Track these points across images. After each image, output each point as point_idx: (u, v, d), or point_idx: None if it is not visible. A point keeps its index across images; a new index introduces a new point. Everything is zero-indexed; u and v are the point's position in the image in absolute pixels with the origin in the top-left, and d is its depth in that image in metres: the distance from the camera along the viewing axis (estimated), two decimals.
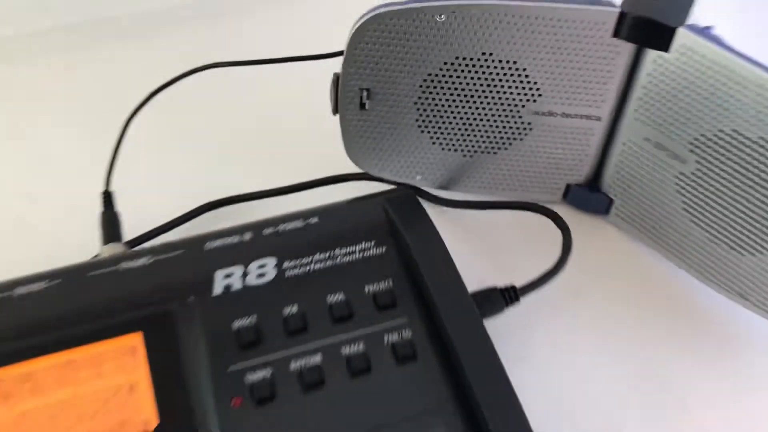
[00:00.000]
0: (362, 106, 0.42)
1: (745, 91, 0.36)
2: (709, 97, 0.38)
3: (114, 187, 0.45)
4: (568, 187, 0.47)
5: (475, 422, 0.32)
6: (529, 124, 0.43)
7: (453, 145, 0.45)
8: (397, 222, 0.38)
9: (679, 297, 0.44)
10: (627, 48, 0.40)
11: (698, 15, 0.39)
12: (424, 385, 0.34)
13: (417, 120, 0.43)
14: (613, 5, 0.39)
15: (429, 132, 0.44)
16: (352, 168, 0.47)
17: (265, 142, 0.53)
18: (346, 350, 0.35)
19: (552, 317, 0.42)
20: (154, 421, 0.32)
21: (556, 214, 0.42)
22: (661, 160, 0.42)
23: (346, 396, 0.33)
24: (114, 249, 0.42)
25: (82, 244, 0.44)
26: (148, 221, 0.45)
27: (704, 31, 0.37)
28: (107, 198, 0.43)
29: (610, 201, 0.46)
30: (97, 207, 0.44)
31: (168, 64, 0.50)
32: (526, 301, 0.40)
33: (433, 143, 0.45)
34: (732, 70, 0.36)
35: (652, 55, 0.39)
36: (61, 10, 0.65)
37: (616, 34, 0.40)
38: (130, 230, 0.44)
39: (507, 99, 0.42)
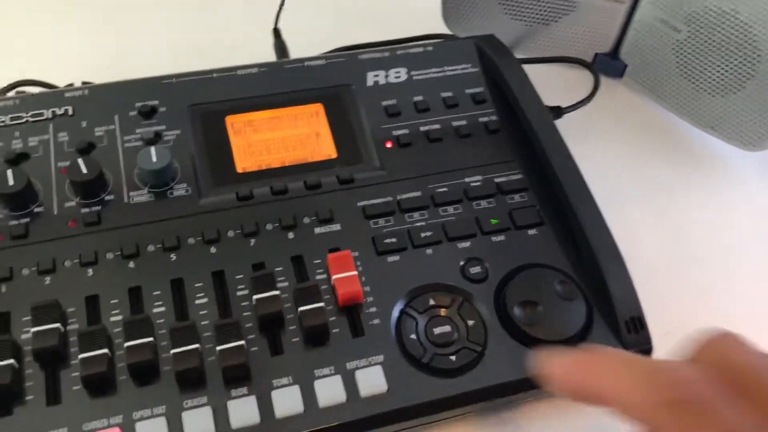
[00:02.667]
0: None
1: None
2: None
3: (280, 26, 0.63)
4: (595, 55, 0.66)
5: (538, 168, 0.51)
6: (574, 2, 0.62)
7: (519, 16, 0.63)
8: (488, 52, 0.56)
9: (669, 131, 0.63)
10: None
11: None
12: (505, 146, 0.52)
13: None
14: None
15: (504, 5, 0.62)
16: (437, 29, 0.65)
17: (378, 8, 0.71)
18: (455, 123, 0.53)
19: (580, 135, 0.61)
20: (333, 154, 0.51)
21: (590, 63, 0.61)
22: (664, 32, 0.60)
23: (456, 147, 0.52)
24: None
25: None
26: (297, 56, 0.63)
27: None
28: (277, 32, 0.61)
29: (625, 66, 0.65)
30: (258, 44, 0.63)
31: None
32: (569, 117, 0.59)
33: (506, 14, 0.63)
34: None
35: None
36: None
37: None
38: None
39: None
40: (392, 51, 0.56)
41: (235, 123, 0.51)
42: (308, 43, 0.65)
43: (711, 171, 0.61)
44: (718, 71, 0.58)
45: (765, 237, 0.57)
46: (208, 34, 0.69)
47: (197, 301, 0.43)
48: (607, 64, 0.66)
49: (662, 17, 0.60)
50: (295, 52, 0.63)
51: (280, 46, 0.61)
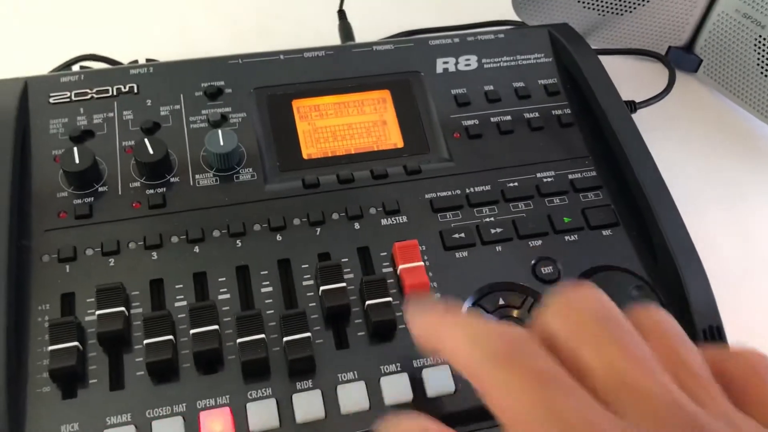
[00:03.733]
0: None
1: None
2: None
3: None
4: (669, 48, 0.63)
5: (615, 165, 0.49)
6: None
7: (593, 4, 0.61)
8: (563, 42, 0.54)
9: (746, 132, 0.61)
10: None
11: None
12: (579, 141, 0.50)
13: None
14: None
15: None
16: (511, 16, 0.63)
17: None
18: (527, 115, 0.51)
19: (655, 131, 0.59)
20: (400, 143, 0.49)
21: (664, 56, 0.59)
22: (746, 27, 0.58)
23: (528, 140, 0.50)
24: None
25: None
26: (361, 39, 0.62)
27: None
28: (342, 14, 0.60)
29: (700, 61, 0.62)
30: (326, 25, 0.61)
31: None
32: (640, 113, 0.56)
33: (579, 1, 0.61)
34: None
35: None
36: None
37: None
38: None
39: None
40: (462, 37, 0.55)
41: (301, 107, 0.50)
42: (373, 26, 0.63)
43: None
44: None
45: None
46: (272, 13, 0.68)
47: (263, 290, 0.42)
48: (681, 58, 0.63)
49: (745, 11, 0.57)
50: (360, 35, 0.61)
51: (345, 29, 0.59)
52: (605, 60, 0.64)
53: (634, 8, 0.61)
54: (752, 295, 0.50)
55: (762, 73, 0.58)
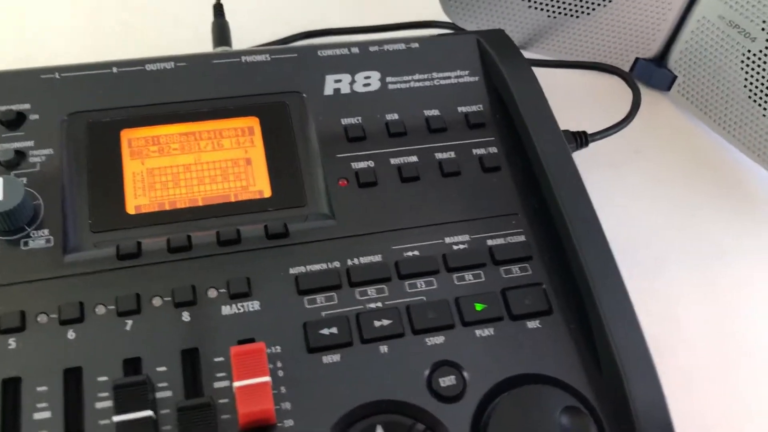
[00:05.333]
0: None
1: None
2: None
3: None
4: (636, 60, 0.51)
5: (550, 227, 0.37)
6: None
7: (540, 3, 0.48)
8: (493, 55, 0.42)
9: (726, 167, 0.49)
10: None
11: None
12: (505, 192, 0.38)
13: None
14: None
15: None
16: (440, 17, 0.50)
17: None
18: (440, 155, 0.39)
19: (612, 168, 0.47)
20: (267, 191, 0.37)
21: (628, 74, 0.46)
22: (731, 38, 0.45)
23: (437, 191, 0.38)
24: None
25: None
26: (249, 40, 0.49)
27: None
28: (219, 9, 0.47)
29: (674, 78, 0.50)
30: (202, 20, 0.48)
31: None
32: (593, 147, 0.44)
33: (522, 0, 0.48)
34: None
35: None
36: None
37: None
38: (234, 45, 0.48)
39: None
40: (363, 48, 0.42)
41: (133, 140, 0.37)
42: (263, 25, 0.50)
43: None
44: None
45: None
46: (141, 6, 0.54)
47: (36, 416, 0.29)
48: (651, 73, 0.51)
49: (731, 18, 0.45)
50: (249, 36, 0.48)
51: (220, 30, 0.46)
52: (559, 74, 0.51)
53: (593, 9, 0.48)
54: (723, 390, 0.39)
55: (750, 96, 0.46)
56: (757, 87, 0.45)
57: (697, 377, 0.39)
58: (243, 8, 0.51)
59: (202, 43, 0.48)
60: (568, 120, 0.47)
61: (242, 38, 0.49)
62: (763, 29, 0.43)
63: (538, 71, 0.51)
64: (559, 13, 0.48)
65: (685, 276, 0.43)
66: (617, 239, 0.44)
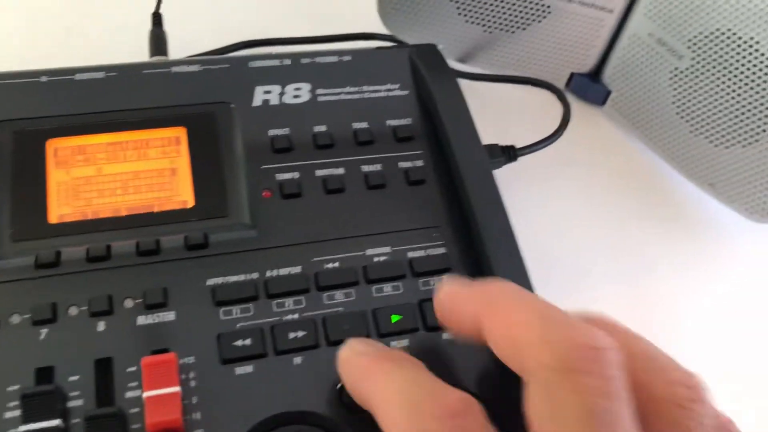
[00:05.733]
0: None
1: None
2: None
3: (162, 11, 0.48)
4: (571, 75, 0.51)
5: (470, 240, 0.37)
6: (548, 7, 0.48)
7: (476, 18, 0.49)
8: (422, 70, 0.42)
9: (657, 183, 0.50)
10: None
11: None
12: (429, 205, 0.39)
13: None
14: None
15: (457, 2, 0.48)
16: (380, 29, 0.51)
17: None
18: (366, 168, 0.39)
19: (542, 181, 0.47)
20: (191, 201, 0.37)
21: (559, 89, 0.47)
22: (661, 56, 0.46)
23: (362, 203, 0.38)
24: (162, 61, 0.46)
25: (129, 58, 0.48)
26: (187, 49, 0.49)
27: None
28: (157, 18, 0.47)
29: (608, 93, 0.51)
30: (144, 26, 0.48)
31: None
32: (523, 161, 0.45)
33: (459, 14, 0.49)
34: None
35: None
36: None
37: None
38: (171, 54, 0.48)
39: None
40: (295, 59, 0.42)
41: (59, 149, 0.37)
42: (205, 33, 0.51)
43: (705, 242, 0.47)
44: (727, 116, 0.44)
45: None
46: (84, 11, 0.54)
47: None
48: (586, 88, 0.52)
49: (660, 36, 0.46)
50: (183, 45, 0.49)
51: (157, 39, 0.46)
52: (499, 89, 0.52)
53: (528, 25, 0.49)
54: None
55: (678, 113, 0.47)
56: (684, 104, 0.46)
57: None
58: (185, 16, 0.52)
59: (146, 49, 0.48)
60: (503, 134, 0.48)
61: (183, 46, 0.49)
62: (689, 48, 0.44)
63: (478, 85, 0.52)
64: (496, 28, 0.49)
65: (612, 289, 0.44)
66: (545, 252, 0.45)
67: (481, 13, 0.48)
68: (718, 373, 0.42)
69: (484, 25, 0.49)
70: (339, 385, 0.32)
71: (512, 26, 0.49)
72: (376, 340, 0.33)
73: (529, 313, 0.25)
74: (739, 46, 0.42)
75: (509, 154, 0.44)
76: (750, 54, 0.42)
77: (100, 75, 0.40)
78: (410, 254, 0.37)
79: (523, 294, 0.27)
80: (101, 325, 0.33)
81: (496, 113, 0.51)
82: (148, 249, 0.35)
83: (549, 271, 0.44)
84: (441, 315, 0.30)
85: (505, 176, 0.45)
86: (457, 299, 0.29)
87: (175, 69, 0.41)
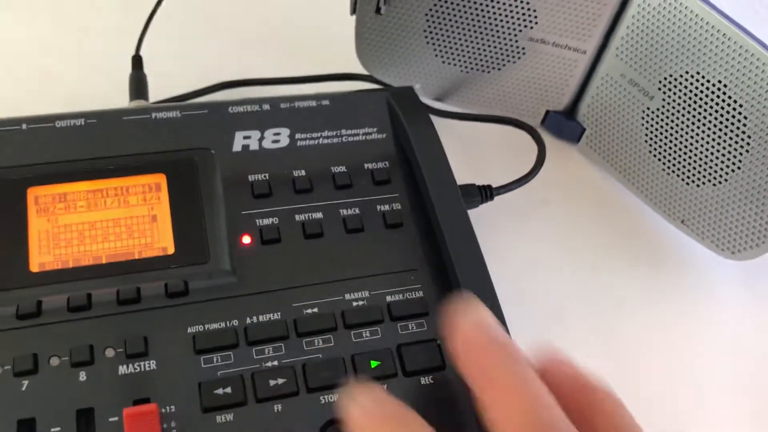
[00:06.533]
0: (378, 10, 0.47)
1: (711, 37, 0.42)
2: (680, 41, 0.43)
3: (142, 53, 0.49)
4: (547, 113, 0.53)
5: (447, 283, 0.38)
6: (523, 48, 0.49)
7: (453, 59, 0.50)
8: (399, 113, 0.43)
9: (630, 219, 0.50)
10: None
11: None
12: (406, 248, 0.39)
13: (425, 31, 0.48)
14: None
15: (434, 44, 0.49)
16: (360, 69, 0.51)
17: (286, 35, 0.57)
18: (344, 212, 0.40)
19: (519, 219, 0.48)
20: (171, 248, 0.38)
21: (534, 129, 0.48)
22: (633, 96, 0.47)
23: (340, 247, 0.39)
24: (140, 105, 0.46)
25: (109, 102, 0.48)
26: (167, 90, 0.50)
27: None
28: (137, 61, 0.48)
29: (582, 130, 0.52)
30: (122, 68, 0.49)
31: None
32: (498, 200, 0.46)
33: (436, 55, 0.50)
34: (702, 18, 0.42)
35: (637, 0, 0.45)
36: None
37: None
38: (151, 96, 0.48)
39: (507, 22, 0.47)
40: (274, 104, 0.43)
41: (40, 198, 0.38)
42: (185, 73, 0.51)
43: (677, 278, 0.48)
44: (696, 155, 0.45)
45: (741, 378, 0.44)
46: (56, 52, 0.55)
47: None
48: (561, 125, 0.53)
49: (631, 77, 0.47)
50: (163, 85, 0.49)
51: (137, 82, 0.47)
52: (478, 128, 0.53)
53: (503, 65, 0.50)
54: None
55: (650, 152, 0.48)
56: (656, 143, 0.47)
57: None
58: (166, 56, 0.52)
59: (124, 92, 0.49)
60: (481, 172, 0.48)
61: (162, 87, 0.49)
62: (659, 89, 0.46)
63: (456, 124, 0.53)
64: (472, 68, 0.50)
65: (584, 326, 0.45)
66: (519, 290, 0.45)
67: (458, 55, 0.49)
68: (689, 405, 0.43)
69: (460, 66, 0.50)
70: (320, 427, 0.33)
71: (488, 67, 0.50)
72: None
73: (517, 405, 0.27)
74: (707, 89, 0.43)
75: (486, 193, 0.45)
76: (718, 97, 0.43)
77: (80, 122, 0.40)
78: (388, 298, 0.37)
79: (520, 380, 0.28)
80: (82, 375, 0.33)
81: (474, 152, 0.52)
82: (129, 297, 0.35)
83: (524, 308, 0.45)
84: (456, 353, 0.30)
85: (482, 215, 0.46)
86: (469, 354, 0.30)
87: (155, 115, 0.41)
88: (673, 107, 0.45)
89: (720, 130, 0.44)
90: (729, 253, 0.46)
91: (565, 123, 0.52)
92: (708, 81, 0.43)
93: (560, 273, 0.47)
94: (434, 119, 0.51)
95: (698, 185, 0.46)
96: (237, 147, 0.41)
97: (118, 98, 0.48)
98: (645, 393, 0.43)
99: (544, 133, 0.53)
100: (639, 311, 0.46)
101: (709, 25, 0.42)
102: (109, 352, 0.34)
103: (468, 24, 0.48)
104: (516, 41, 0.48)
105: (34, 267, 0.36)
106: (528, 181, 0.46)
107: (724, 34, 0.41)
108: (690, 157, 0.46)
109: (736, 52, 0.41)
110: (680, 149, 0.46)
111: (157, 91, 0.49)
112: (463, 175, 0.48)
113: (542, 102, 0.52)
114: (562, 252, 0.48)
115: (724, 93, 0.43)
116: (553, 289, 0.46)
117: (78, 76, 0.52)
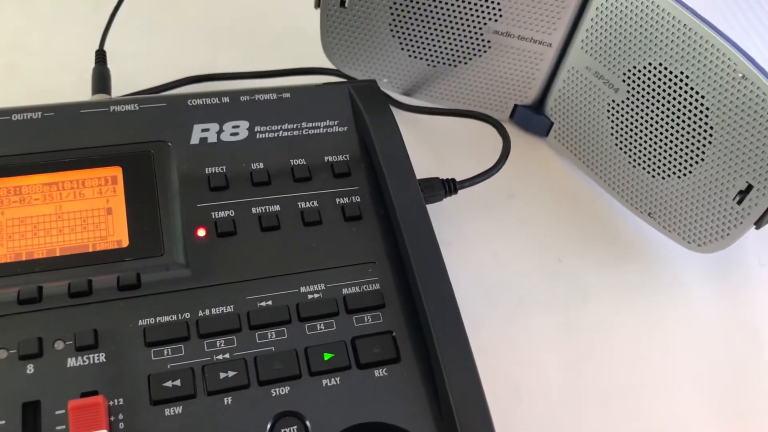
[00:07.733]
0: (342, 3, 0.47)
1: (674, 29, 0.42)
2: (643, 33, 0.43)
3: (106, 47, 0.49)
4: (515, 107, 0.52)
5: (404, 276, 0.38)
6: (489, 42, 0.48)
7: (419, 53, 0.49)
8: (361, 106, 0.43)
9: (597, 212, 0.50)
10: None
11: None
12: (365, 240, 0.39)
13: (390, 24, 0.48)
14: None
15: (399, 37, 0.49)
16: (326, 63, 0.51)
17: (251, 30, 0.57)
18: (302, 204, 0.40)
19: (483, 212, 0.48)
20: (125, 241, 0.37)
21: (499, 122, 0.48)
22: (598, 88, 0.47)
23: (297, 240, 0.38)
24: (102, 99, 0.46)
25: (73, 97, 0.48)
26: (133, 84, 0.49)
27: None
28: (101, 56, 0.47)
29: (550, 124, 0.52)
30: (89, 64, 0.48)
31: None
32: (463, 194, 0.45)
33: (402, 49, 0.49)
34: (664, 10, 0.41)
35: None
36: None
37: None
38: (115, 90, 0.48)
39: (472, 15, 0.47)
40: (234, 97, 0.43)
41: None
42: (151, 69, 0.51)
43: (644, 270, 0.48)
44: (661, 148, 0.45)
45: (706, 369, 0.44)
46: (27, 46, 0.55)
47: None
48: (529, 119, 0.52)
49: (596, 69, 0.47)
50: (128, 81, 0.49)
51: (100, 76, 0.47)
52: (446, 121, 0.53)
53: (469, 59, 0.50)
54: None
55: (617, 145, 0.48)
56: (622, 136, 0.47)
57: (551, 421, 0.40)
58: (131, 51, 0.52)
59: (89, 86, 0.48)
60: (446, 166, 0.48)
61: (127, 82, 0.49)
62: (624, 81, 0.45)
63: (422, 118, 0.53)
64: (438, 62, 0.50)
65: (548, 319, 0.44)
66: (483, 283, 0.45)
67: (423, 48, 0.49)
68: (653, 396, 0.43)
69: (426, 59, 0.50)
70: (272, 422, 0.33)
71: (454, 60, 0.50)
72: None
73: None
74: (670, 80, 0.43)
75: (449, 187, 0.45)
76: (680, 89, 0.43)
77: (37, 115, 0.40)
78: (344, 291, 0.37)
79: None
80: (30, 368, 0.33)
81: (442, 146, 0.52)
82: (80, 290, 0.35)
83: (488, 301, 0.44)
84: None
85: (446, 209, 0.46)
86: None
87: (113, 108, 0.41)
88: (638, 99, 0.45)
89: (683, 122, 0.43)
90: (695, 245, 0.46)
91: (533, 117, 0.52)
92: (671, 72, 0.43)
93: (524, 266, 0.46)
94: (402, 114, 0.51)
95: (664, 178, 0.46)
96: (195, 140, 0.41)
97: (84, 93, 0.48)
98: (609, 384, 0.43)
99: (513, 128, 0.53)
100: (604, 304, 0.46)
101: (671, 16, 0.41)
102: (59, 345, 0.33)
103: (432, 17, 0.47)
104: (481, 34, 0.48)
105: None
106: (492, 174, 0.46)
107: (685, 26, 0.41)
108: (655, 150, 0.46)
109: (697, 43, 0.41)
110: (645, 142, 0.46)
111: (125, 86, 0.49)
112: (430, 170, 0.47)
113: (510, 96, 0.52)
114: (527, 244, 0.48)
115: (687, 84, 0.42)
116: (517, 281, 0.46)
117: (43, 70, 0.51)
